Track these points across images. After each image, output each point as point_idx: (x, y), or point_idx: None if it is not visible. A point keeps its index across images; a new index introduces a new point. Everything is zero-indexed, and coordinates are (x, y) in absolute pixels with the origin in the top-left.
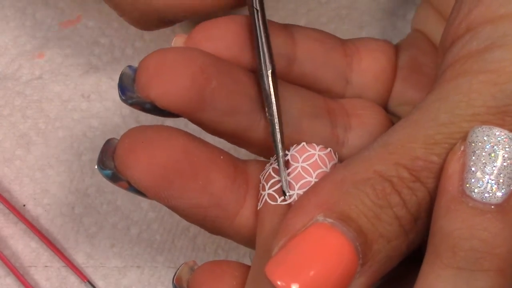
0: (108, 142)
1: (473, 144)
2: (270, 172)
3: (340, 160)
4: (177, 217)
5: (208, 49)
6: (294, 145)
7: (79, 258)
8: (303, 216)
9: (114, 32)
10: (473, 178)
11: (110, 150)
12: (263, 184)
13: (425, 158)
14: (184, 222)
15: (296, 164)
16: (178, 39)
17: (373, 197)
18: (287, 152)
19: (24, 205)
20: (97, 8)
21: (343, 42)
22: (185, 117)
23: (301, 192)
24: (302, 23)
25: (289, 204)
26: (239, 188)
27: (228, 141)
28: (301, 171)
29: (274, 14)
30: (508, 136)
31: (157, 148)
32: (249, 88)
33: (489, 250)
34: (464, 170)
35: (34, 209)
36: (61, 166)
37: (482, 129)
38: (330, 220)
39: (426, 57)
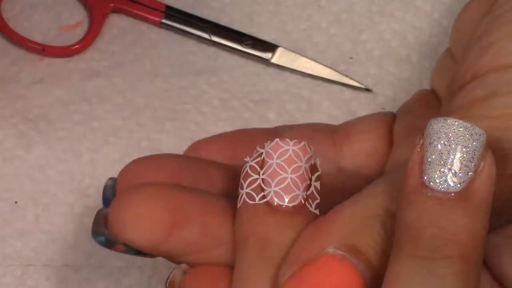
0: (99, 213)
1: (429, 136)
2: (247, 170)
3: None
4: None
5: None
6: (268, 142)
7: (79, 258)
8: (314, 246)
9: (114, 38)
10: (431, 168)
11: (103, 220)
12: (241, 183)
13: None
14: None
15: (271, 161)
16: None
17: (382, 233)
18: (262, 150)
19: (16, 202)
20: None
21: (333, 131)
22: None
23: (277, 189)
24: (302, 28)
25: (267, 202)
26: None
27: None
28: (276, 168)
29: (274, 19)
30: (463, 126)
31: (150, 208)
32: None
33: (449, 237)
34: (423, 162)
35: (34, 209)
36: (61, 166)
37: (437, 120)
38: (340, 252)
39: (422, 119)
